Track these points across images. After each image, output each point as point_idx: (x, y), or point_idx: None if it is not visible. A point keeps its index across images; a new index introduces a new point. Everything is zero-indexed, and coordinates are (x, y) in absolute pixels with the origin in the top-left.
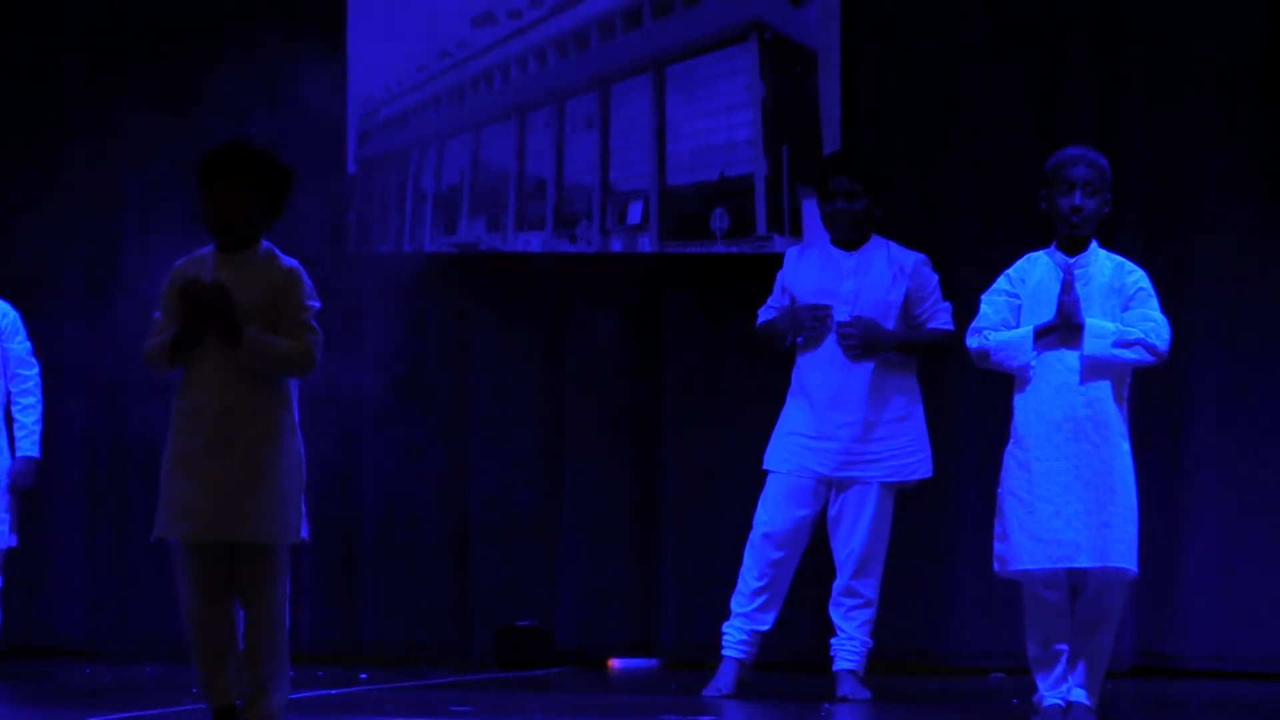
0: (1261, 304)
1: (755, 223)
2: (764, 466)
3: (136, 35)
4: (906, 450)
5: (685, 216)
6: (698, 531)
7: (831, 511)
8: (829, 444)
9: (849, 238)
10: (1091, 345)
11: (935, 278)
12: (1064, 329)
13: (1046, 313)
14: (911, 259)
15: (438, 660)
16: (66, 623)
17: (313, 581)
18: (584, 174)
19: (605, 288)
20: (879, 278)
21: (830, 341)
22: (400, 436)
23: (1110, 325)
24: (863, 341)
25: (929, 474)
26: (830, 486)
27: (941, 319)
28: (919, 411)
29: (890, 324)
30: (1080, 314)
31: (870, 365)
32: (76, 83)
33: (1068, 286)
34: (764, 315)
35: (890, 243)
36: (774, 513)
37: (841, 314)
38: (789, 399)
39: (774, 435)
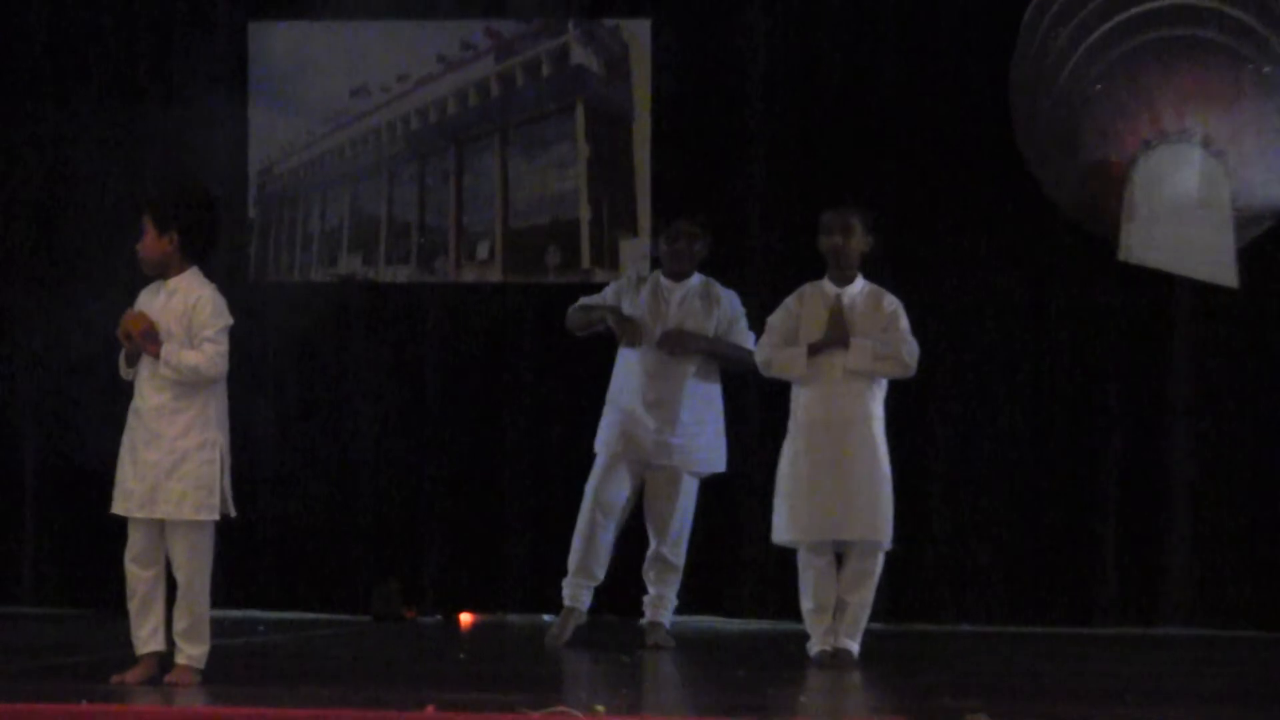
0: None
1: (581, 258)
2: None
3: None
4: (708, 446)
5: (524, 253)
6: (536, 503)
7: (647, 491)
8: (644, 434)
9: (681, 271)
10: (856, 360)
11: (741, 309)
12: (832, 345)
13: (818, 333)
14: (725, 294)
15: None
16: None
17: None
18: (441, 218)
19: (459, 311)
20: (698, 306)
21: (648, 348)
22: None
23: (869, 343)
24: (679, 341)
25: (723, 469)
26: (645, 469)
27: (746, 340)
28: (718, 414)
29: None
30: (846, 334)
31: (683, 373)
32: None
33: (837, 310)
34: (585, 300)
35: (710, 279)
36: (601, 487)
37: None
38: (610, 395)
39: (601, 425)
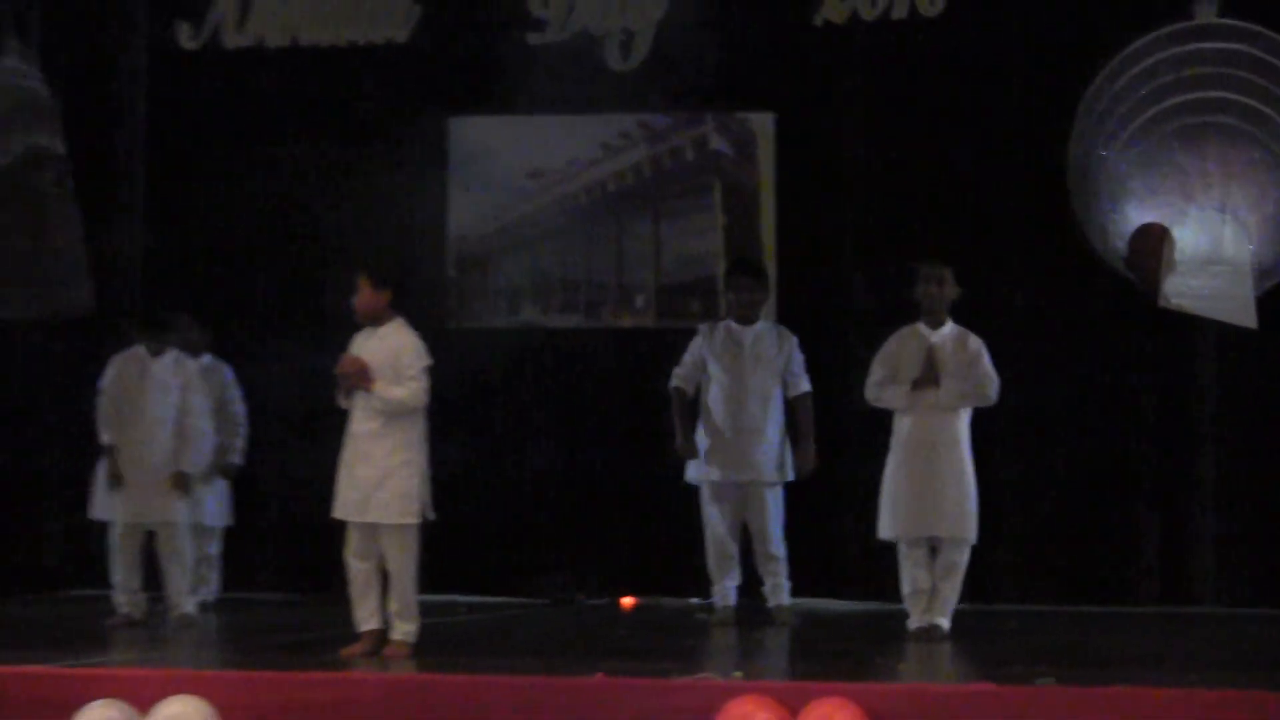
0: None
1: (719, 307)
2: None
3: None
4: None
5: (672, 303)
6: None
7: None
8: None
9: (750, 317)
10: (945, 398)
11: (800, 354)
12: (926, 385)
13: (915, 370)
14: (790, 339)
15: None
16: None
17: None
18: (604, 275)
19: (618, 350)
20: (768, 344)
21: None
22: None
23: (956, 385)
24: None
25: (793, 477)
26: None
27: (802, 383)
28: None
29: (776, 378)
30: (937, 375)
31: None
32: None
33: (929, 355)
34: (678, 381)
35: (778, 324)
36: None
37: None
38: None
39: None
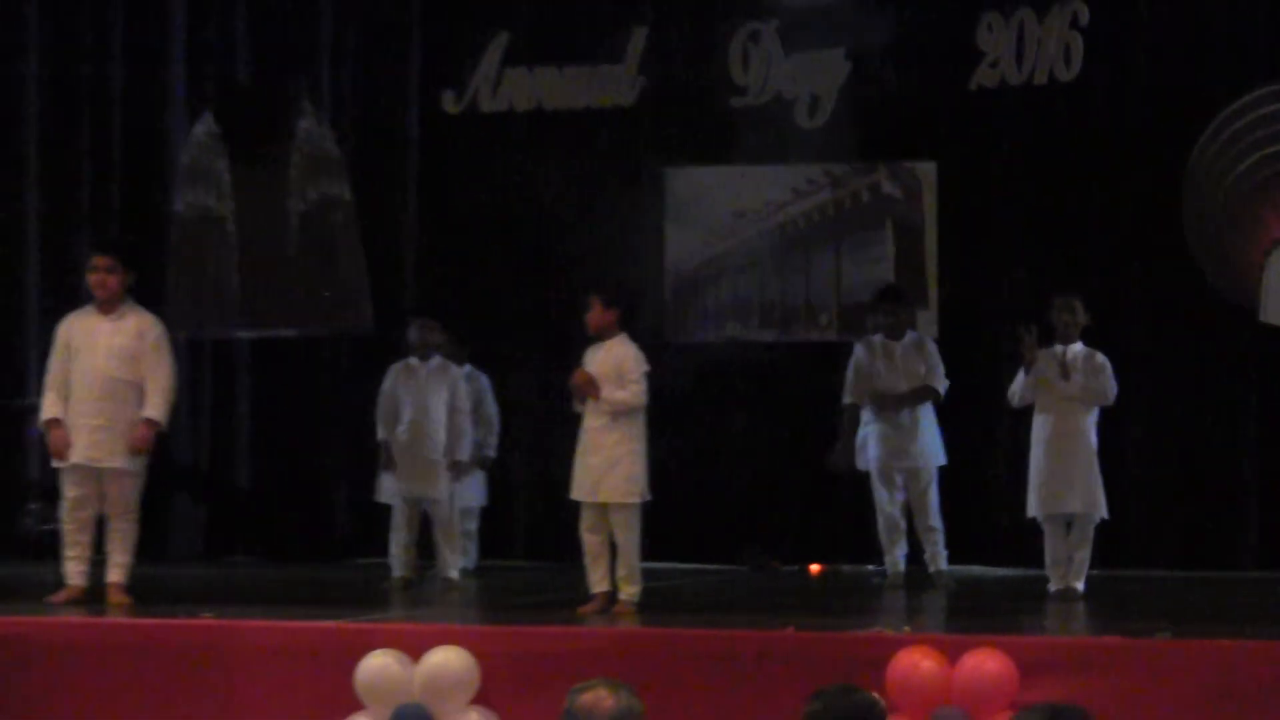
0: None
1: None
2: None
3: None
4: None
5: (851, 320)
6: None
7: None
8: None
9: (899, 332)
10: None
11: (939, 360)
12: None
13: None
14: (931, 346)
15: None
16: None
17: None
18: (796, 297)
19: (807, 359)
20: (914, 355)
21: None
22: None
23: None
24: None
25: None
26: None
27: (934, 381)
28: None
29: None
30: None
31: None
32: None
33: (1065, 369)
34: (847, 406)
35: (922, 335)
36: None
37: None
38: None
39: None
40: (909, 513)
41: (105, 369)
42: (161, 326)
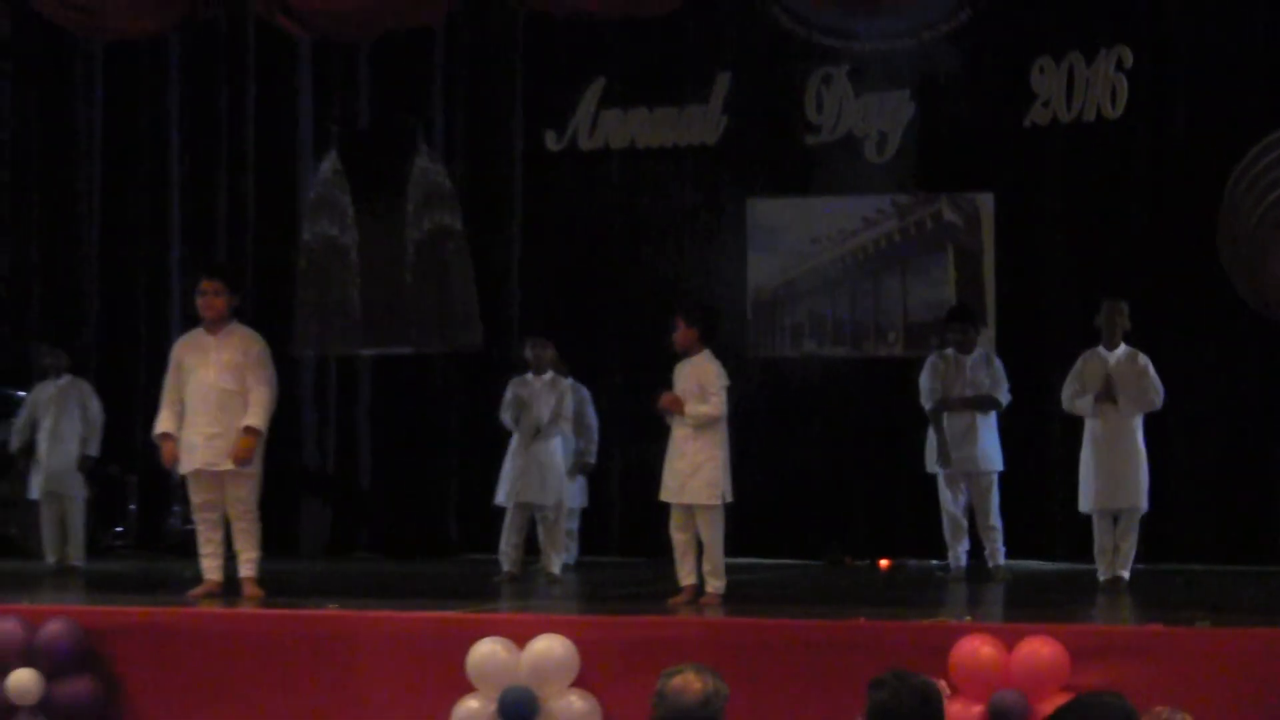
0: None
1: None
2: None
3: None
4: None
5: (916, 337)
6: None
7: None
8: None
9: (969, 348)
10: (1122, 409)
11: (1004, 373)
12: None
13: (1097, 385)
14: (997, 361)
15: None
16: None
17: None
18: (865, 315)
19: (875, 371)
20: (982, 368)
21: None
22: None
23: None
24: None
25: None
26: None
27: (998, 393)
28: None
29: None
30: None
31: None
32: None
33: (1108, 377)
34: (931, 412)
35: (990, 352)
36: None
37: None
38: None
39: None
40: (970, 513)
41: (216, 382)
42: (263, 343)
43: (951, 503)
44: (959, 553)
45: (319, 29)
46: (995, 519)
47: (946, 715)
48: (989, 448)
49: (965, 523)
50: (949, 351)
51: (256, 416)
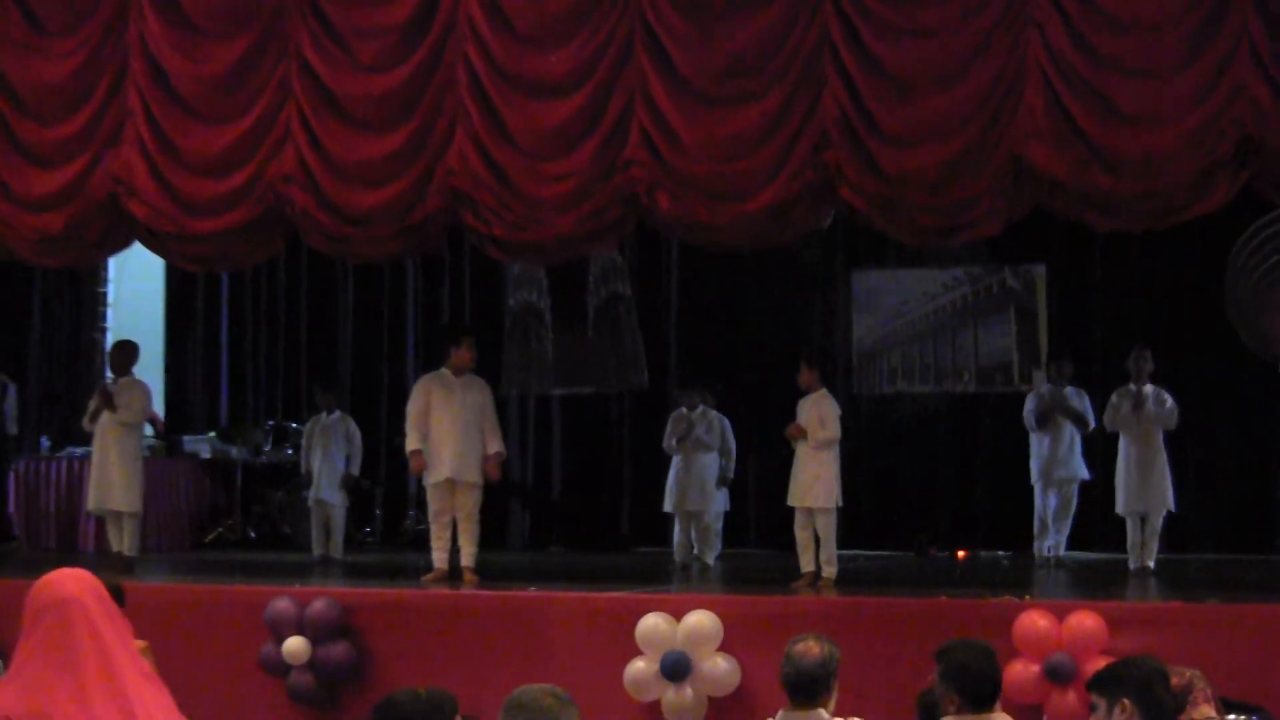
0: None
1: (1012, 378)
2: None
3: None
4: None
5: (986, 377)
6: (1010, 487)
7: None
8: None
9: (1069, 381)
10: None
11: (1088, 401)
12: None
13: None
14: (1080, 392)
15: None
16: None
17: None
18: (945, 360)
19: (955, 405)
20: (1074, 395)
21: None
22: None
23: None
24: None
25: (1087, 475)
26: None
27: (1090, 417)
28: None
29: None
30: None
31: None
32: None
33: (1140, 400)
34: (1032, 424)
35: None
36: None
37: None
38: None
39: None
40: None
41: (461, 414)
42: (489, 387)
43: (1043, 506)
44: (1042, 547)
45: (521, 258)
46: (1068, 521)
47: (1012, 673)
48: (1078, 460)
49: (1050, 522)
50: (1052, 384)
51: (499, 443)
